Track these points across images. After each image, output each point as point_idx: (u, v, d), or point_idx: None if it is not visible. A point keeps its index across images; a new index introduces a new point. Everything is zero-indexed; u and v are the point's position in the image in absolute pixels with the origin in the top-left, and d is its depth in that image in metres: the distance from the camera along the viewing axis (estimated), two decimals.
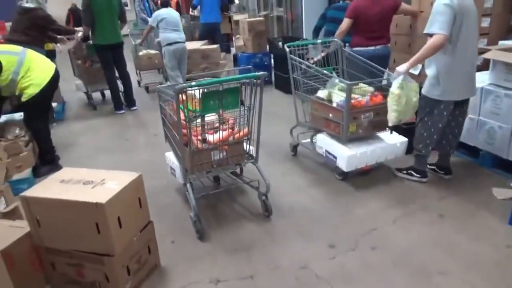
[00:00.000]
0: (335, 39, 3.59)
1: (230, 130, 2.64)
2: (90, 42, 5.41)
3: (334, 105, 3.05)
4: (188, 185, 2.63)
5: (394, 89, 2.75)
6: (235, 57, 7.11)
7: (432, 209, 2.74)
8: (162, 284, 2.22)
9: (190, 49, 6.18)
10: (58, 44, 5.41)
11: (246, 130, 2.67)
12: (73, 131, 4.98)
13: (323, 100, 3.17)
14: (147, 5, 9.56)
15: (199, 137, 2.54)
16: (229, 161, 2.66)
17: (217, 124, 2.62)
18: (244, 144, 2.71)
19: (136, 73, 6.70)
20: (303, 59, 3.33)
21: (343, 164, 3.03)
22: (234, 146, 2.64)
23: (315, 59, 3.60)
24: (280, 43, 5.97)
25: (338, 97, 3.03)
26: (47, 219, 1.96)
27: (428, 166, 3.12)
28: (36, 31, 4.73)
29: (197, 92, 2.35)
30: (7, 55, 3.36)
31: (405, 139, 3.16)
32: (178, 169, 2.83)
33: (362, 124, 3.03)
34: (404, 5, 3.91)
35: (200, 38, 7.63)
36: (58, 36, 5.17)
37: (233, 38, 8.09)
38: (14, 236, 1.96)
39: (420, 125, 2.94)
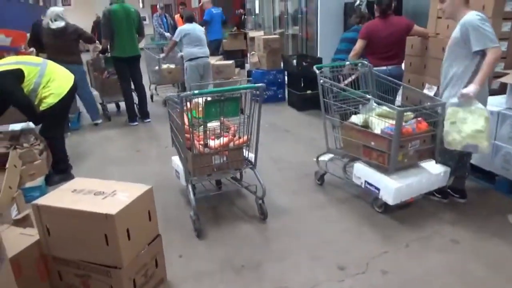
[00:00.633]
0: (365, 61, 3.40)
1: (230, 137, 2.82)
2: (108, 54, 5.54)
3: (377, 131, 2.82)
4: (189, 186, 2.81)
5: (484, 112, 2.56)
6: (249, 73, 7.17)
7: (445, 234, 2.68)
8: None
9: None
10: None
11: (245, 137, 2.84)
12: (87, 141, 5.04)
13: (357, 126, 2.97)
14: (165, 20, 9.77)
15: (201, 142, 2.73)
16: (229, 166, 2.83)
17: (218, 131, 2.78)
18: (244, 150, 2.88)
19: (149, 88, 6.74)
20: (334, 81, 3.16)
21: (388, 197, 2.75)
22: (234, 152, 2.81)
23: (346, 82, 3.44)
24: (294, 61, 6.00)
25: (380, 123, 2.82)
26: (57, 228, 1.96)
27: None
28: (77, 47, 5.02)
29: (201, 101, 2.57)
30: (29, 66, 3.45)
31: (447, 168, 2.90)
32: (182, 172, 2.95)
33: (408, 153, 2.79)
34: (416, 27, 3.93)
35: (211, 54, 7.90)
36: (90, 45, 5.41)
37: (248, 55, 8.18)
38: (23, 244, 1.96)
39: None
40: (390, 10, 3.91)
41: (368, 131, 2.88)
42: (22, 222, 2.38)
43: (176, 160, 3.23)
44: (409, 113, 2.84)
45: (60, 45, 4.95)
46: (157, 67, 6.55)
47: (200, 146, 2.72)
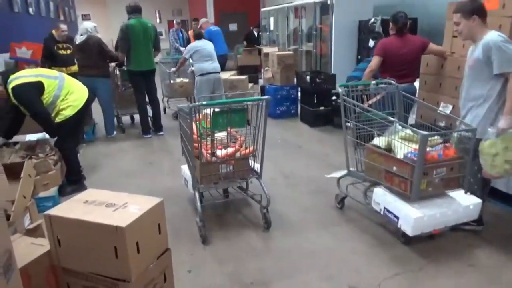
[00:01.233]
0: (392, 81, 3.22)
1: (237, 147, 2.90)
2: (125, 68, 5.64)
3: (400, 156, 2.65)
4: (196, 193, 2.91)
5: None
6: (263, 88, 7.21)
7: (461, 258, 2.60)
8: None
9: None
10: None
11: (251, 148, 2.93)
12: (101, 152, 5.09)
13: (380, 149, 2.82)
14: (181, 35, 9.95)
15: (209, 151, 2.82)
16: (235, 175, 2.91)
17: (226, 141, 2.87)
18: (250, 160, 2.97)
19: (162, 100, 6.84)
20: (357, 101, 2.99)
21: (407, 227, 2.58)
22: (240, 162, 2.90)
23: (370, 102, 3.33)
24: (308, 77, 6.02)
25: (403, 147, 2.64)
26: (68, 239, 1.96)
27: None
28: (102, 60, 5.18)
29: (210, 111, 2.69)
30: (48, 79, 3.54)
31: (479, 201, 2.69)
32: (191, 180, 3.03)
33: (433, 181, 2.59)
34: (432, 45, 3.90)
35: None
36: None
37: (262, 70, 8.24)
38: (34, 254, 1.97)
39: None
40: (406, 29, 3.91)
41: (390, 155, 2.72)
42: (34, 232, 2.40)
43: (185, 169, 3.34)
44: (436, 137, 2.67)
45: (85, 59, 5.10)
46: (168, 81, 6.67)
47: (208, 155, 2.81)
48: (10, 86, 3.35)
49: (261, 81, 8.23)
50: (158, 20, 17.80)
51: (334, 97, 5.97)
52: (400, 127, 2.75)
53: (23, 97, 3.40)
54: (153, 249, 2.10)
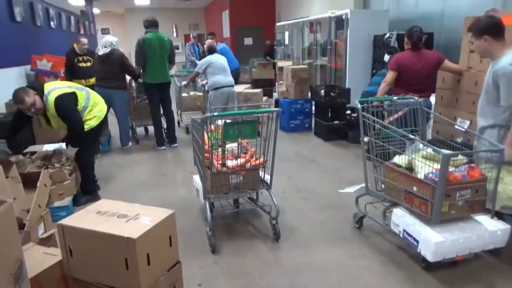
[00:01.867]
0: (415, 97, 3.07)
1: (247, 157, 2.93)
2: (140, 80, 5.74)
3: (420, 176, 2.51)
4: (207, 203, 2.93)
5: None
6: (277, 102, 7.23)
7: (481, 279, 2.50)
8: None
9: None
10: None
11: (262, 159, 2.96)
12: (115, 163, 5.15)
13: (400, 168, 2.70)
14: (197, 48, 10.11)
15: (220, 161, 2.85)
16: (245, 186, 2.93)
17: (236, 151, 2.91)
18: (260, 171, 3.00)
19: (177, 113, 6.89)
20: (377, 117, 2.85)
21: (427, 252, 2.43)
22: (250, 172, 2.92)
23: (391, 118, 3.20)
24: (322, 91, 6.02)
25: (424, 167, 2.51)
26: (80, 249, 1.97)
27: None
28: (121, 73, 5.32)
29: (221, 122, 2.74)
30: (78, 91, 3.66)
31: (507, 226, 2.52)
32: (201, 190, 3.06)
33: (456, 203, 2.42)
34: (447, 63, 3.86)
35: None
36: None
37: (276, 84, 8.28)
38: (46, 263, 1.98)
39: None
40: (421, 43, 3.88)
41: (411, 175, 2.58)
42: (47, 241, 2.41)
43: (197, 179, 3.38)
44: (460, 157, 2.51)
45: (106, 71, 5.22)
46: (179, 94, 6.73)
47: (219, 165, 2.84)
48: (51, 97, 3.42)
49: (275, 95, 8.26)
50: (175, 34, 18.16)
51: (348, 111, 5.93)
52: (421, 146, 2.63)
53: (65, 108, 3.49)
54: (163, 261, 2.09)
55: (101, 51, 5.28)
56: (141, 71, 5.47)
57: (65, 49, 5.99)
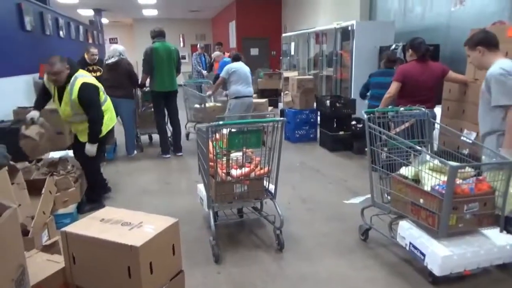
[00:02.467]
0: (422, 108, 3.05)
1: (252, 167, 2.91)
2: (146, 89, 5.79)
3: (427, 188, 2.48)
4: (211, 212, 2.93)
5: None
6: (282, 112, 7.24)
7: None
8: None
9: None
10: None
11: (266, 168, 2.94)
12: (120, 171, 5.17)
13: (407, 179, 2.66)
14: (204, 59, 10.18)
15: (224, 170, 2.84)
16: (249, 195, 2.92)
17: (241, 161, 2.90)
18: (264, 181, 2.98)
19: (185, 126, 6.72)
20: (383, 128, 2.82)
21: (434, 266, 2.38)
22: (255, 182, 2.92)
23: (398, 129, 3.14)
24: (327, 102, 6.02)
25: (431, 179, 2.46)
26: (83, 256, 1.96)
27: None
28: (128, 82, 5.35)
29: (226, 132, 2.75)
30: (101, 91, 3.69)
31: None
32: (206, 199, 3.06)
33: (464, 216, 2.38)
34: (452, 73, 3.85)
35: None
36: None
37: (282, 94, 8.29)
38: (48, 270, 1.97)
39: None
40: (427, 55, 3.88)
41: (417, 187, 2.54)
42: (50, 248, 2.41)
43: (201, 188, 3.39)
44: (468, 169, 2.48)
45: (113, 79, 5.26)
46: (197, 105, 6.51)
47: (223, 174, 2.83)
48: (79, 80, 3.45)
49: (280, 105, 8.27)
50: (182, 44, 18.32)
51: (354, 122, 5.92)
52: (428, 157, 2.59)
53: (90, 95, 3.52)
54: (166, 270, 2.08)
55: (108, 60, 5.34)
56: (149, 79, 5.52)
57: (74, 58, 6.02)
